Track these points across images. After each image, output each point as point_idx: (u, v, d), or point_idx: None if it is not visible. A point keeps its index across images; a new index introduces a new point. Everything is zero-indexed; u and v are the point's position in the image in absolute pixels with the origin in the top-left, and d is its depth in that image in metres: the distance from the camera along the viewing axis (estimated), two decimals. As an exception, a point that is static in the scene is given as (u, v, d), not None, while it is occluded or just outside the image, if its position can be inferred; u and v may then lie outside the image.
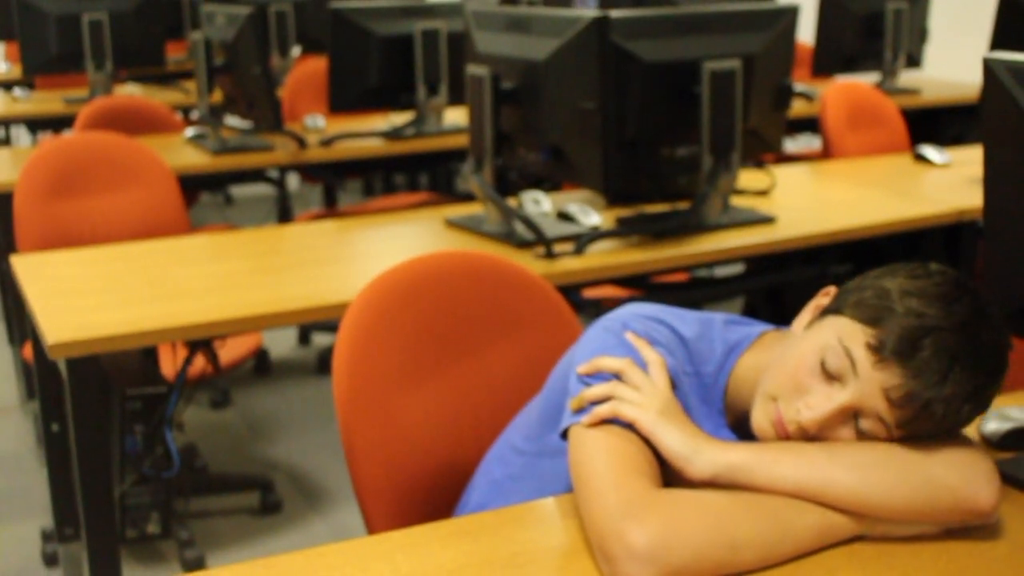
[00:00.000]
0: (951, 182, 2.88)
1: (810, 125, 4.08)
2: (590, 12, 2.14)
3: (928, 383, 1.08)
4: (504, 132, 2.33)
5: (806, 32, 4.04)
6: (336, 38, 3.41)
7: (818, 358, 1.14)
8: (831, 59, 4.31)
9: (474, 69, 2.33)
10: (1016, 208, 1.26)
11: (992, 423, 1.36)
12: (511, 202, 2.39)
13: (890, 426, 1.11)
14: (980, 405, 1.11)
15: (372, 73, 3.46)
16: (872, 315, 1.12)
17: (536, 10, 2.32)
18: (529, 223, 2.19)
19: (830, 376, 1.13)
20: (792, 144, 4.36)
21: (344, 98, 3.46)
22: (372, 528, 1.42)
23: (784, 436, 1.15)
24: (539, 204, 2.52)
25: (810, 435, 1.14)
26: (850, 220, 2.48)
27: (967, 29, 4.66)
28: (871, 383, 1.11)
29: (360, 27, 3.40)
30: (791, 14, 2.44)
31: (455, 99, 3.48)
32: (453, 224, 2.45)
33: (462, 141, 3.44)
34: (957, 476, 1.10)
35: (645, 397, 1.14)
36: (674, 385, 1.20)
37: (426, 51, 3.41)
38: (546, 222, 2.38)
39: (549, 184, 3.23)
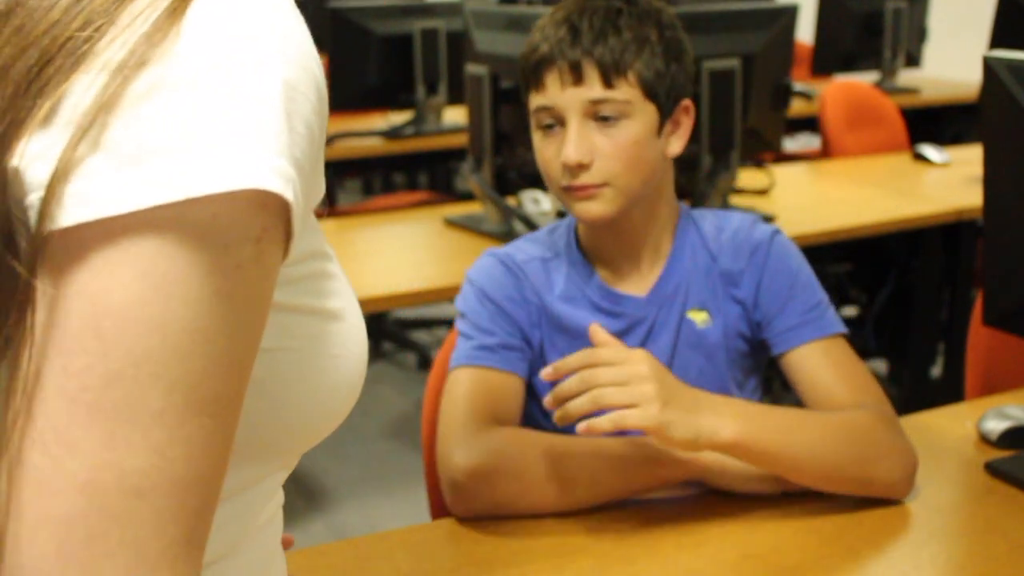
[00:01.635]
0: (950, 181, 2.88)
1: (809, 124, 4.08)
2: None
3: (579, 53, 1.22)
4: (503, 131, 2.33)
5: (805, 31, 4.03)
6: (335, 37, 3.41)
7: (537, 134, 1.28)
8: (830, 58, 4.30)
9: (473, 68, 2.33)
10: (1016, 207, 1.26)
11: (990, 422, 1.36)
12: (510, 201, 2.39)
13: (619, 100, 1.23)
14: (640, 22, 1.25)
15: (371, 72, 3.46)
16: (520, 73, 1.29)
17: (535, 9, 2.32)
18: (528, 222, 2.19)
19: (553, 129, 1.26)
20: (791, 143, 4.36)
21: (343, 97, 3.46)
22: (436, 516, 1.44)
23: (583, 190, 1.25)
24: (539, 203, 2.52)
25: (586, 162, 1.23)
26: (849, 219, 2.49)
27: (966, 28, 4.65)
28: (557, 97, 1.24)
29: (359, 26, 3.40)
30: (790, 13, 2.44)
31: (454, 98, 3.47)
32: (452, 223, 2.46)
33: (461, 140, 3.44)
34: (886, 472, 1.18)
35: (637, 389, 1.10)
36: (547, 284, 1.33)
37: (425, 50, 3.40)
38: (545, 221, 2.38)
39: (548, 183, 3.23)
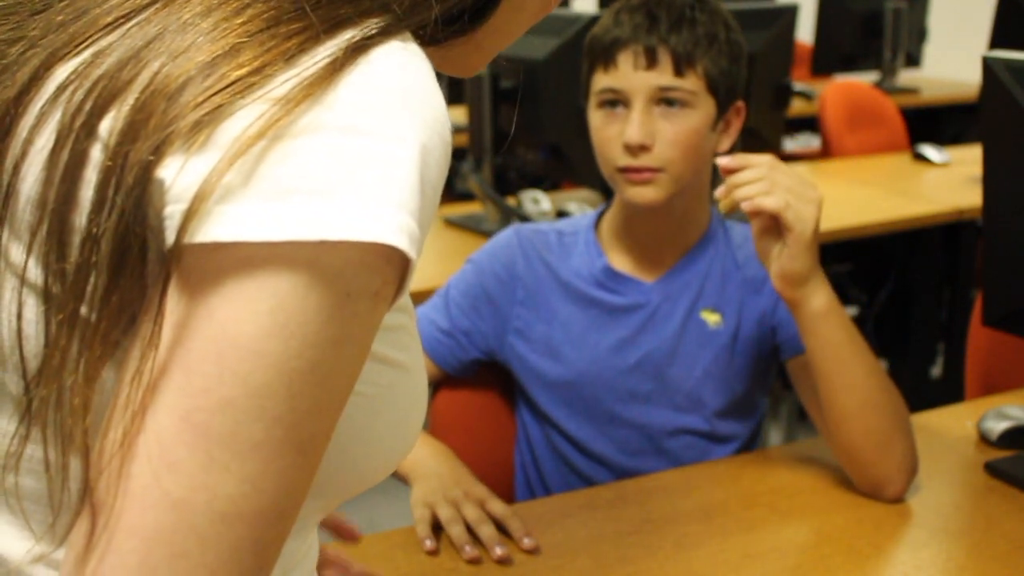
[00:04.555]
0: (950, 181, 2.88)
1: (809, 124, 4.08)
2: (589, 11, 2.14)
3: (655, 40, 1.27)
4: (503, 131, 2.33)
5: (805, 31, 4.03)
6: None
7: (597, 114, 1.32)
8: (830, 58, 4.30)
9: (473, 68, 2.33)
10: (1016, 208, 1.26)
11: (990, 422, 1.36)
12: (510, 201, 2.39)
13: (686, 89, 1.27)
14: (711, 19, 1.30)
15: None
16: (587, 52, 1.34)
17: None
18: (528, 223, 2.19)
19: (615, 110, 1.30)
20: (791, 143, 4.35)
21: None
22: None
23: (638, 173, 1.28)
24: (538, 203, 2.52)
25: (648, 144, 1.27)
26: (849, 219, 2.48)
27: (966, 28, 4.65)
28: (628, 79, 1.28)
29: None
30: (790, 13, 2.44)
31: (454, 98, 3.46)
32: (452, 223, 2.45)
33: (461, 140, 3.44)
34: (899, 454, 1.19)
35: (808, 207, 1.16)
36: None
37: (425, 50, 3.40)
38: (545, 221, 2.38)
39: (548, 183, 3.23)
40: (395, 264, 0.51)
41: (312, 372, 0.49)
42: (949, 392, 2.43)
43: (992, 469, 1.27)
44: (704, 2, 1.32)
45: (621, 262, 1.38)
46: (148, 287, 0.50)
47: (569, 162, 2.22)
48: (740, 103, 1.36)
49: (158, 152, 0.48)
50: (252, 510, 0.49)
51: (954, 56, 4.40)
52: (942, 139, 3.74)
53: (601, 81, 1.31)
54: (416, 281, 1.85)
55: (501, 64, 2.30)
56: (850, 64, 4.33)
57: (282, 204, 0.47)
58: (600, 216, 1.42)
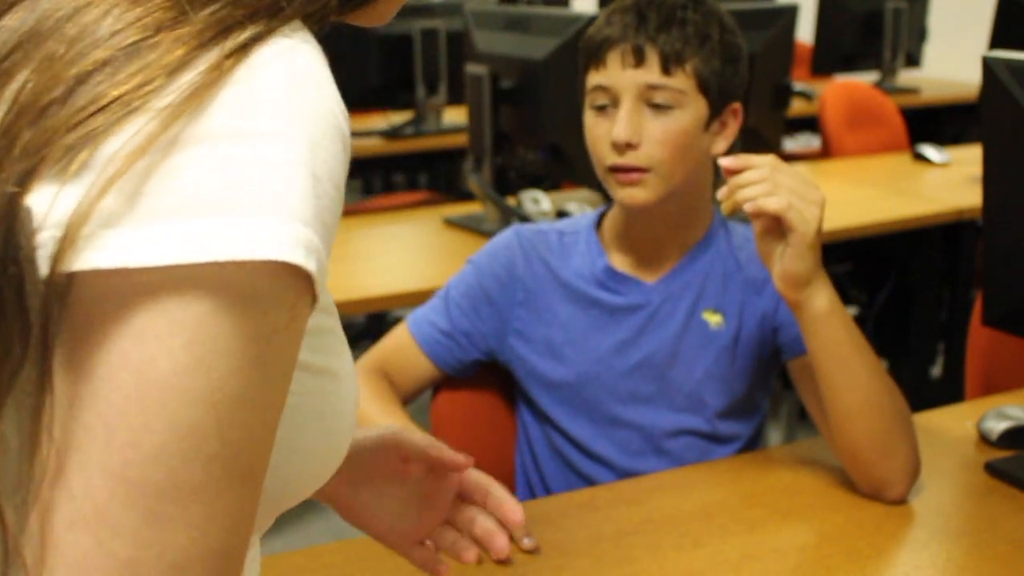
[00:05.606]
0: (950, 181, 2.88)
1: (809, 124, 4.08)
2: (589, 11, 2.14)
3: (643, 39, 1.27)
4: (503, 131, 2.33)
5: (805, 31, 4.03)
6: (335, 37, 3.40)
7: (589, 113, 1.32)
8: (830, 58, 4.30)
9: (473, 68, 2.33)
10: (1016, 208, 1.26)
11: (990, 422, 1.36)
12: (510, 201, 2.39)
13: (674, 88, 1.27)
14: (704, 20, 1.30)
15: (371, 72, 3.45)
16: (581, 52, 1.34)
17: (535, 9, 2.31)
18: (528, 223, 2.18)
19: (606, 109, 1.31)
20: (791, 143, 4.35)
21: (343, 97, 3.45)
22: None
23: (626, 174, 1.29)
24: (538, 203, 2.52)
25: (634, 142, 1.27)
26: (849, 219, 2.48)
27: (966, 28, 4.65)
28: (616, 77, 1.29)
29: (358, 26, 3.40)
30: (790, 13, 2.44)
31: (454, 98, 3.46)
32: (452, 223, 2.45)
33: (461, 140, 3.44)
34: (903, 457, 1.19)
35: (810, 207, 1.15)
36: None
37: (425, 50, 3.40)
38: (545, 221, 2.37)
39: (548, 183, 3.23)
40: (303, 275, 0.48)
41: (240, 400, 0.47)
42: (949, 392, 2.43)
43: (992, 469, 1.27)
44: (699, 3, 1.32)
45: (622, 262, 1.38)
46: (32, 327, 0.45)
47: (569, 162, 2.22)
48: (736, 104, 1.35)
49: (25, 183, 0.44)
50: (202, 552, 0.47)
51: (954, 56, 4.40)
52: (942, 139, 3.74)
53: (592, 80, 1.32)
54: (416, 281, 1.86)
55: (501, 64, 2.30)
56: (850, 64, 4.33)
57: (169, 224, 0.44)
58: (602, 216, 1.42)
